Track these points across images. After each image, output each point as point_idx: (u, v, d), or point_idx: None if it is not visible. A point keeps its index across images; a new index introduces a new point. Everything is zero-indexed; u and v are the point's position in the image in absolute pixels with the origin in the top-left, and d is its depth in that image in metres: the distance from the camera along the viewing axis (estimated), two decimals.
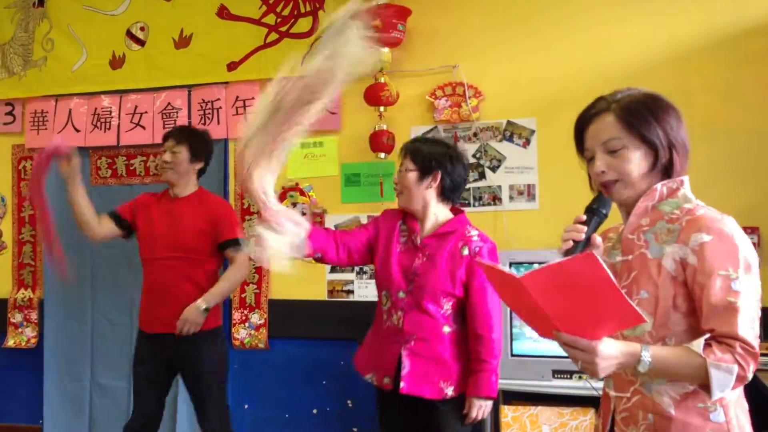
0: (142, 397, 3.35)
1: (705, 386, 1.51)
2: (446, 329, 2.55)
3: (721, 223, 1.56)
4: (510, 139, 3.79)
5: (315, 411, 4.09)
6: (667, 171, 1.66)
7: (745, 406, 1.65)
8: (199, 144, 3.40)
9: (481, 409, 2.56)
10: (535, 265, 1.42)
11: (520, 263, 3.36)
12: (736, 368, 1.47)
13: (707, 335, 1.51)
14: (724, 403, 1.57)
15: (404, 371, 2.52)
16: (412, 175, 2.59)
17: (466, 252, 2.55)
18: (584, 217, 1.61)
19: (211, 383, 3.32)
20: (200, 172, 3.44)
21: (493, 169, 3.80)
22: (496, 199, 3.79)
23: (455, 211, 2.68)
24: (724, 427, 1.57)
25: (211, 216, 3.33)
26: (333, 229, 2.78)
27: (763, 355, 2.94)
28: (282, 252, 2.13)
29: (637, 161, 1.64)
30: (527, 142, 3.76)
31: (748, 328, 1.50)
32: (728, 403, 1.58)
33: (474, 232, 2.61)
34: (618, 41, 3.63)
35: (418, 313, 2.54)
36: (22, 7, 4.64)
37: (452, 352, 2.56)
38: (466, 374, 2.57)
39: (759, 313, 1.54)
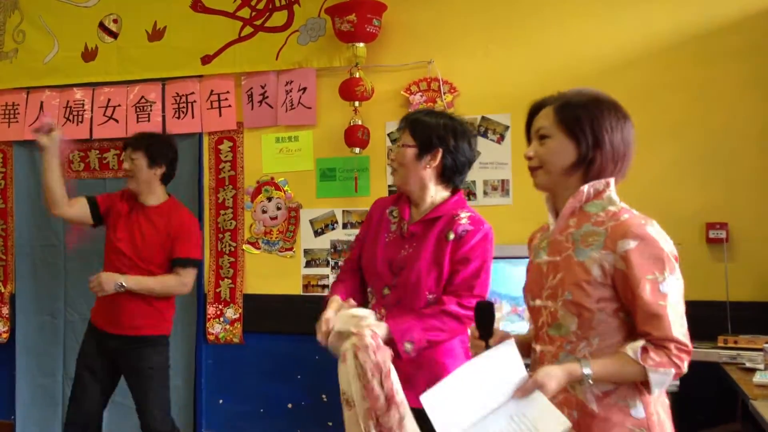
0: (86, 395, 3.32)
1: (645, 383, 1.60)
2: None
3: (645, 228, 1.62)
4: (484, 135, 3.81)
5: (290, 405, 4.09)
6: (593, 171, 1.69)
7: (666, 402, 1.71)
8: (157, 148, 3.34)
9: (375, 333, 2.03)
10: (510, 261, 1.49)
11: (494, 258, 3.37)
12: (672, 371, 1.58)
13: (642, 341, 1.59)
14: (644, 400, 1.64)
15: None
16: (410, 152, 2.30)
17: (451, 237, 2.26)
18: (477, 332, 1.78)
19: (153, 384, 3.33)
20: (166, 178, 3.40)
21: None
22: (470, 194, 3.81)
23: (454, 193, 2.38)
24: (644, 422, 1.63)
25: (172, 231, 3.33)
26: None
27: (730, 348, 3.03)
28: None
29: (560, 152, 1.69)
30: (501, 138, 3.79)
31: (678, 327, 1.59)
32: (649, 399, 1.64)
33: (464, 215, 2.29)
34: (591, 38, 3.66)
35: (402, 310, 2.26)
36: None
37: (439, 353, 2.28)
38: None
39: (684, 308, 1.63)
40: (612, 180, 1.70)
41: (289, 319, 4.04)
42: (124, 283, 3.19)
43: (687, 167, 3.50)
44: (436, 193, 2.35)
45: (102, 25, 4.40)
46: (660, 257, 1.60)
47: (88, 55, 4.41)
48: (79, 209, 3.37)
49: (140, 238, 3.30)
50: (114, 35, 4.39)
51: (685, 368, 1.59)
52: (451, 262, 2.27)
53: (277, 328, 4.09)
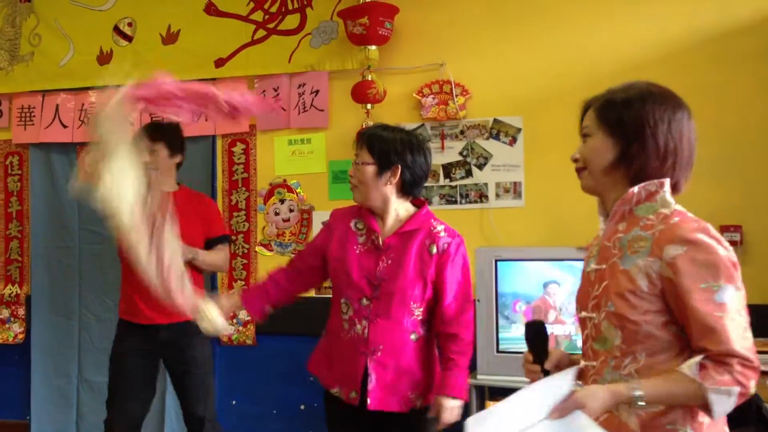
0: (131, 395, 3.31)
1: (704, 406, 1.42)
2: (413, 336, 2.39)
3: (695, 231, 1.47)
4: (496, 137, 3.81)
5: (302, 407, 4.10)
6: (634, 169, 1.56)
7: (725, 428, 1.55)
8: (175, 137, 3.38)
9: (452, 411, 2.35)
10: (522, 263, 1.44)
11: (506, 260, 3.38)
12: (736, 389, 1.39)
13: (700, 357, 1.42)
14: (696, 426, 1.48)
15: (371, 385, 2.35)
16: (370, 170, 2.36)
17: (434, 251, 2.37)
18: (531, 357, 1.63)
19: (203, 372, 3.36)
20: (179, 166, 3.44)
21: (480, 166, 3.82)
22: (482, 196, 3.81)
23: (417, 203, 2.48)
24: None
25: (204, 213, 3.41)
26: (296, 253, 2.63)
27: (760, 353, 3.01)
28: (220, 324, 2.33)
29: (600, 150, 1.58)
30: (513, 140, 3.79)
31: (741, 340, 1.41)
32: (703, 426, 1.48)
33: (440, 227, 2.41)
34: (605, 40, 3.65)
35: (385, 321, 2.36)
36: (8, 2, 4.61)
37: (419, 360, 2.40)
38: (433, 382, 2.44)
39: (747, 319, 1.46)
40: (667, 180, 1.56)
41: (301, 321, 4.04)
42: (192, 256, 3.17)
43: (701, 169, 3.41)
44: (399, 206, 2.43)
45: (117, 29, 4.43)
46: (714, 263, 1.44)
47: (103, 58, 4.45)
48: None
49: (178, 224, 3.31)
50: (129, 39, 4.42)
51: (752, 388, 1.40)
52: (438, 276, 2.38)
53: (289, 330, 4.10)
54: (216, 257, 3.41)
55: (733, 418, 1.63)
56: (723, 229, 3.42)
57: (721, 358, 1.40)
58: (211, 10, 4.25)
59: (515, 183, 3.78)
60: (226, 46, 4.21)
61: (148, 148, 3.27)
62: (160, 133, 3.34)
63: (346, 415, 2.44)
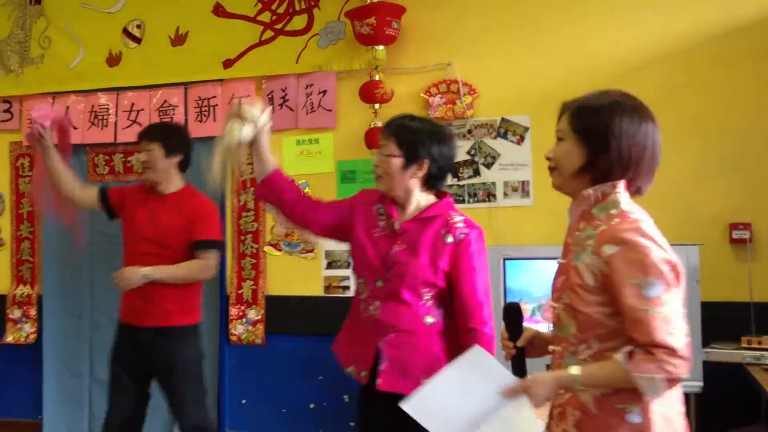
0: (123, 395, 3.31)
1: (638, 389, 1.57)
2: (429, 320, 2.37)
3: (629, 232, 1.59)
4: (504, 136, 3.82)
5: (312, 406, 4.12)
6: (598, 175, 1.67)
7: (678, 408, 1.66)
8: (173, 137, 3.36)
9: None
10: (530, 262, 1.50)
11: (515, 259, 3.39)
12: (659, 377, 1.52)
13: (630, 347, 1.56)
14: (642, 405, 1.59)
15: (381, 366, 2.34)
16: (396, 162, 2.35)
17: (450, 240, 2.36)
18: (506, 334, 1.83)
19: (184, 378, 3.29)
20: (183, 166, 3.37)
21: (488, 165, 3.83)
22: (490, 195, 3.82)
23: (440, 194, 2.46)
24: (640, 428, 1.59)
25: (191, 215, 3.29)
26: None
27: (754, 349, 3.02)
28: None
29: (570, 155, 1.69)
30: (521, 139, 3.79)
31: (666, 332, 1.53)
32: (649, 406, 1.59)
33: (458, 218, 2.39)
34: (611, 39, 3.66)
35: (395, 303, 2.36)
36: (19, 4, 4.65)
37: (441, 346, 2.37)
38: None
39: (681, 312, 1.57)
40: (621, 182, 1.66)
41: (310, 320, 4.07)
42: (147, 274, 3.16)
43: (709, 168, 3.49)
44: (421, 198, 2.42)
45: (126, 31, 4.46)
46: (643, 262, 1.56)
47: (113, 60, 4.48)
48: (88, 196, 3.41)
49: (161, 223, 3.28)
50: (137, 41, 4.45)
51: (679, 373, 1.53)
52: (453, 267, 2.36)
53: (299, 329, 4.13)
54: (183, 271, 3.25)
55: (745, 415, 1.66)
56: (732, 227, 3.42)
57: (647, 347, 1.53)
58: (219, 11, 4.28)
59: (523, 182, 3.79)
60: (234, 47, 4.23)
61: (145, 147, 3.31)
62: (155, 133, 3.35)
63: (363, 393, 2.47)
